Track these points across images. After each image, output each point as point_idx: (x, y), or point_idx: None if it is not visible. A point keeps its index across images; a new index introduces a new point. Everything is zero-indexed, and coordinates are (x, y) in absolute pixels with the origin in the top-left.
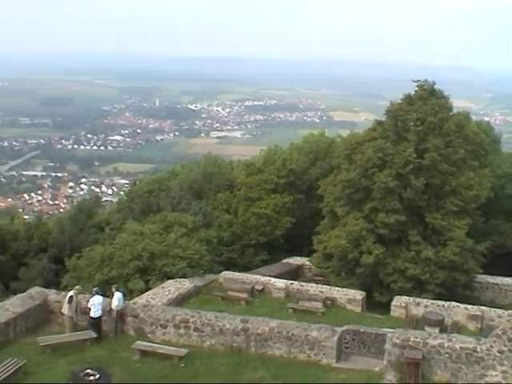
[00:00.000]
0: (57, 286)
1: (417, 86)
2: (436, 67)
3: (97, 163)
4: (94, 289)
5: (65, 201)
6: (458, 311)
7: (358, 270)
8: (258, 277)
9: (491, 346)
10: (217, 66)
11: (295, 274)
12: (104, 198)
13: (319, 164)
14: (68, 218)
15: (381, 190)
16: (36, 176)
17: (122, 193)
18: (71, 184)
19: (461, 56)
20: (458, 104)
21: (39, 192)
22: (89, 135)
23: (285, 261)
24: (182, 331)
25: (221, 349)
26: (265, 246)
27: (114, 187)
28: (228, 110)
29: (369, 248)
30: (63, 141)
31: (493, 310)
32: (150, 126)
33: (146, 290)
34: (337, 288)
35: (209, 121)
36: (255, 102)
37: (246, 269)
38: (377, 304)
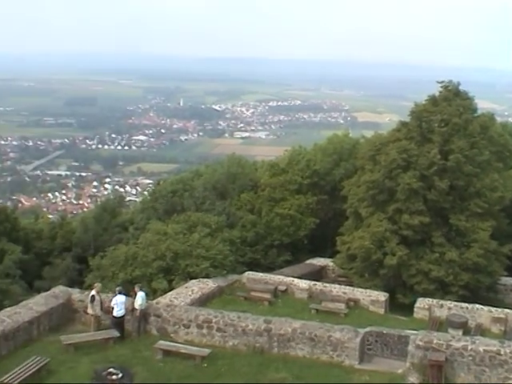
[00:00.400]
0: (80, 285)
1: (441, 87)
2: (459, 68)
3: (121, 163)
4: (117, 288)
5: (89, 200)
6: (481, 313)
7: (382, 272)
8: (281, 277)
9: None
10: (241, 66)
11: (318, 274)
12: (128, 198)
13: (343, 165)
14: (92, 217)
15: (405, 192)
16: (60, 175)
17: (145, 193)
18: (95, 183)
19: (483, 56)
20: (482, 105)
21: (63, 191)
22: (113, 135)
23: (308, 261)
24: (204, 331)
25: (243, 349)
26: (288, 247)
27: (137, 187)
28: (252, 110)
29: (392, 249)
30: (87, 140)
31: None
32: (174, 126)
33: (170, 290)
34: (360, 289)
35: (233, 121)
36: (279, 103)
37: (269, 269)
38: (400, 305)
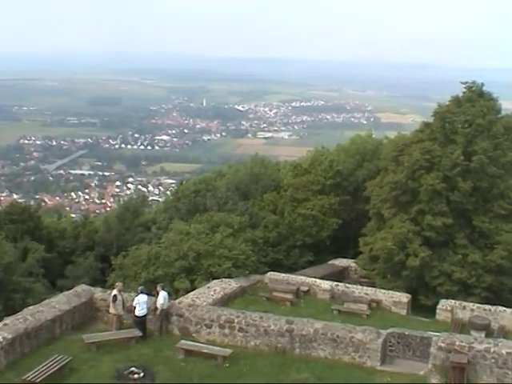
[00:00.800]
0: (103, 285)
1: (465, 88)
2: (482, 68)
3: (144, 163)
4: (140, 287)
5: (112, 200)
6: (504, 316)
7: (404, 273)
8: (304, 278)
9: None
10: (265, 66)
11: (341, 275)
12: (150, 198)
13: (366, 165)
14: (115, 216)
15: (428, 193)
16: (83, 175)
17: (168, 192)
18: (118, 183)
19: (505, 57)
20: (506, 106)
21: (86, 191)
22: (136, 135)
23: (330, 262)
24: (226, 331)
25: (265, 349)
26: (310, 247)
27: (160, 187)
28: (275, 110)
29: (415, 250)
30: (111, 140)
31: None
32: (197, 126)
33: (192, 290)
34: (382, 290)
35: (256, 121)
36: (302, 103)
37: (292, 270)
38: (422, 307)
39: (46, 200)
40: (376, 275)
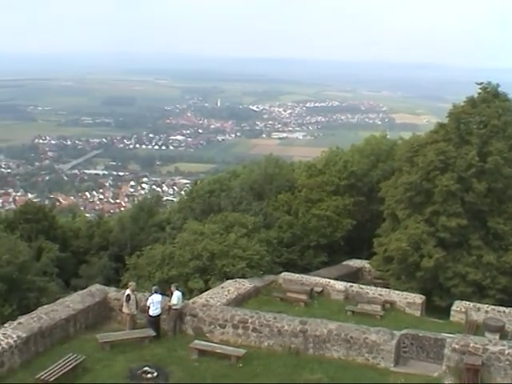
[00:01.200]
0: (117, 284)
1: (480, 89)
2: (497, 69)
3: (158, 163)
4: (154, 287)
5: (126, 199)
6: None
7: (418, 274)
8: (318, 278)
9: None
10: (280, 66)
11: (355, 276)
12: (165, 198)
13: (380, 166)
14: (129, 216)
15: (442, 194)
16: (98, 175)
17: (182, 192)
18: (132, 183)
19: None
20: None
21: (101, 190)
22: (151, 135)
23: (344, 263)
24: (240, 331)
25: (279, 350)
26: (325, 248)
27: (174, 187)
28: (290, 111)
29: (429, 251)
30: (125, 140)
31: None
32: (212, 126)
33: (206, 290)
34: (396, 291)
35: (270, 122)
36: (317, 104)
37: (306, 270)
38: (436, 308)
39: (61, 200)
40: (390, 276)
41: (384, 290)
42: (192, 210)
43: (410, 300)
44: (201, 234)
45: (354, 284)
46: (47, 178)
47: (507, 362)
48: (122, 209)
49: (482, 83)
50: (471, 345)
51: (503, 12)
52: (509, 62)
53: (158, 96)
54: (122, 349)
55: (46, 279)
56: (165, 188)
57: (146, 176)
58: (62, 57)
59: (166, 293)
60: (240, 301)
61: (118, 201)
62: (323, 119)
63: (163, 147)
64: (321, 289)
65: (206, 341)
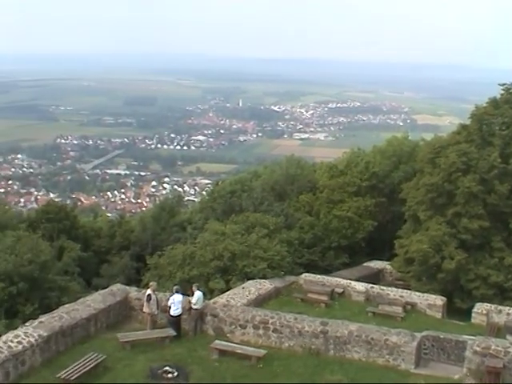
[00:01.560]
0: (138, 284)
1: (502, 90)
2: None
3: (180, 163)
4: (175, 287)
5: (147, 199)
6: None
7: (440, 276)
8: (339, 279)
9: None
10: (301, 67)
11: (376, 277)
12: (186, 198)
13: (402, 167)
14: (150, 216)
15: (464, 195)
16: (119, 174)
17: (204, 193)
18: (154, 183)
19: None
20: None
21: (122, 190)
22: (172, 135)
23: (365, 264)
24: (261, 332)
25: (299, 351)
26: (346, 249)
27: (196, 187)
28: (311, 111)
29: (451, 253)
30: (147, 140)
31: None
32: (234, 126)
33: (227, 290)
34: (417, 293)
35: (292, 122)
36: (338, 104)
37: (327, 271)
38: (457, 310)
39: (82, 199)
40: (411, 278)
41: (405, 291)
42: (213, 210)
43: (430, 302)
44: (222, 234)
45: (374, 285)
46: (69, 177)
47: None
48: (144, 209)
49: (504, 84)
50: (492, 347)
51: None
52: None
53: (179, 96)
54: (143, 348)
55: (68, 278)
56: (186, 188)
57: (167, 176)
58: (84, 57)
59: (187, 293)
60: (261, 301)
61: (139, 201)
62: (345, 120)
63: (185, 147)
64: (342, 290)
65: (227, 341)
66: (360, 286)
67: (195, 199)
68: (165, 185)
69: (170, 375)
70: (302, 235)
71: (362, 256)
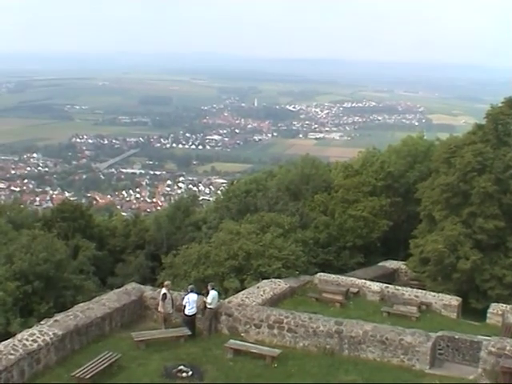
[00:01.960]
0: (153, 283)
1: None
2: None
3: (195, 162)
4: (189, 286)
5: (162, 199)
6: None
7: (455, 276)
8: (353, 279)
9: None
10: (316, 67)
11: (391, 277)
12: (201, 197)
13: (417, 167)
14: (165, 215)
15: (480, 195)
16: (134, 174)
17: (219, 192)
18: (169, 182)
19: None
20: None
21: (137, 189)
22: (187, 134)
23: (380, 264)
24: (275, 331)
25: (314, 350)
26: (361, 249)
27: (211, 186)
28: (326, 111)
29: (466, 253)
30: (162, 139)
31: None
32: (249, 126)
33: (241, 290)
34: (432, 293)
35: (307, 122)
36: (354, 104)
37: (342, 271)
38: (472, 310)
39: (98, 198)
40: (426, 278)
41: (420, 291)
42: (228, 209)
43: (446, 302)
44: (237, 233)
45: (389, 285)
46: (84, 176)
47: None
48: (159, 208)
49: None
50: (508, 348)
51: None
52: None
53: (194, 96)
54: (158, 347)
55: (83, 277)
56: (201, 187)
57: (182, 175)
58: (97, 56)
59: (202, 292)
60: (275, 301)
61: (154, 200)
62: (360, 120)
63: (200, 147)
64: (356, 290)
65: (241, 340)
66: (375, 286)
67: (210, 199)
68: (180, 184)
69: (184, 374)
70: (317, 235)
71: (377, 256)
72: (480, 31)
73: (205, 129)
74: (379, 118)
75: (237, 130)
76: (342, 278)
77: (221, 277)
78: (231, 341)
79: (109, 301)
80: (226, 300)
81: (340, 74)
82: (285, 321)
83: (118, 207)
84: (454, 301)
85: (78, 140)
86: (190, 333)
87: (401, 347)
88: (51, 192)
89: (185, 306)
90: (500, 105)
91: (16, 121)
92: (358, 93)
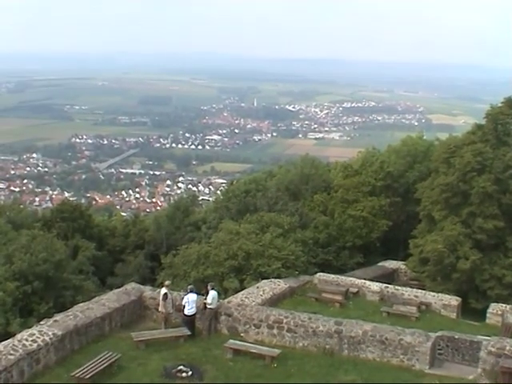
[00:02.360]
0: (152, 283)
1: None
2: None
3: (194, 162)
4: (189, 286)
5: (162, 199)
6: None
7: (454, 276)
8: (353, 279)
9: None
10: (316, 67)
11: (390, 277)
12: (201, 197)
13: (417, 167)
14: (165, 215)
15: (479, 195)
16: (134, 174)
17: (218, 192)
18: (168, 182)
19: None
20: None
21: (137, 190)
22: (187, 134)
23: (380, 264)
24: (275, 331)
25: (313, 350)
26: (360, 249)
27: (210, 186)
28: (326, 111)
29: (465, 253)
30: (161, 139)
31: None
32: (248, 126)
33: (241, 290)
34: (432, 293)
35: (306, 122)
36: (353, 104)
37: (341, 271)
38: (472, 310)
39: (97, 198)
40: (426, 278)
41: (419, 291)
42: (228, 209)
43: (445, 302)
44: (236, 233)
45: (389, 285)
46: (84, 176)
47: None
48: (158, 208)
49: None
50: (507, 348)
51: None
52: None
53: (194, 95)
54: (157, 347)
55: (82, 277)
56: (201, 187)
57: (182, 175)
58: (97, 56)
59: (202, 292)
60: (275, 301)
61: (154, 200)
62: (359, 120)
63: (199, 147)
64: (356, 290)
65: (241, 340)
66: (374, 286)
67: (210, 199)
68: (179, 184)
69: (184, 374)
70: (317, 235)
71: (377, 256)
72: (480, 31)
73: (204, 129)
74: (379, 118)
75: (236, 130)
76: (341, 278)
77: (220, 277)
78: (231, 341)
79: (108, 301)
80: (226, 300)
81: (340, 73)
82: (284, 321)
83: (118, 207)
84: (454, 301)
85: (78, 140)
86: (189, 333)
87: (400, 347)
88: (51, 192)
89: (184, 306)
90: (500, 105)
91: (16, 121)
92: (358, 93)
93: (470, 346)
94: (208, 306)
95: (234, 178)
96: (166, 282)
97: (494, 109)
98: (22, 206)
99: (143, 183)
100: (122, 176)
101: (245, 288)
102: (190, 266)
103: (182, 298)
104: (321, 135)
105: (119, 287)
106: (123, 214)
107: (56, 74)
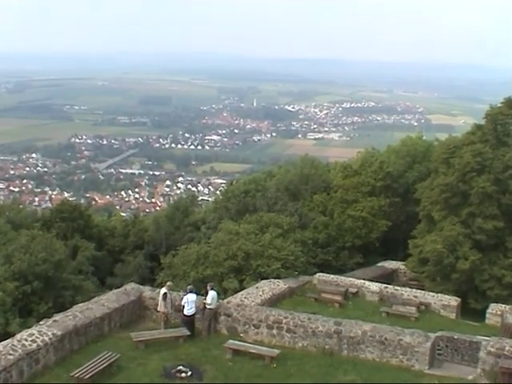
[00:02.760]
0: (152, 283)
1: None
2: None
3: (194, 162)
4: (188, 287)
5: (161, 199)
6: None
7: (454, 276)
8: (352, 279)
9: None
10: (315, 67)
11: (390, 277)
12: (200, 197)
13: (416, 167)
14: (164, 216)
15: (479, 195)
16: (133, 174)
17: (218, 192)
18: (168, 182)
19: None
20: None
21: (136, 190)
22: (186, 134)
23: (379, 264)
24: (274, 332)
25: (313, 350)
26: (360, 249)
27: (210, 186)
28: (325, 111)
29: (465, 254)
30: (161, 140)
31: None
32: (248, 126)
33: (240, 290)
34: (431, 293)
35: (306, 122)
36: (353, 104)
37: (341, 271)
38: (471, 311)
39: (97, 198)
40: (425, 278)
41: (419, 291)
42: (227, 209)
43: (445, 302)
44: (236, 233)
45: (388, 285)
46: (83, 176)
47: None
48: (158, 208)
49: None
50: (507, 348)
51: None
52: None
53: (193, 96)
54: (157, 348)
55: (82, 277)
56: (200, 188)
57: (181, 175)
58: (97, 57)
59: (201, 292)
60: (274, 301)
61: (153, 200)
62: (359, 120)
63: (199, 147)
64: (355, 290)
65: (240, 341)
66: (374, 286)
67: (209, 199)
68: (179, 184)
69: (183, 374)
70: (316, 235)
71: (376, 256)
72: (480, 31)
73: (204, 129)
74: (378, 119)
75: (236, 131)
76: (341, 279)
77: (220, 277)
78: (230, 341)
79: (108, 301)
80: (225, 300)
81: (339, 74)
82: (284, 321)
83: (117, 207)
84: (453, 301)
85: (77, 140)
86: (189, 333)
87: (400, 347)
88: (50, 192)
89: (184, 307)
90: (499, 105)
91: (15, 121)
92: (358, 93)
93: (470, 347)
94: (207, 307)
95: (233, 178)
96: (168, 283)
97: (493, 109)
98: (21, 206)
99: (143, 183)
100: (121, 176)
101: (244, 288)
102: (189, 266)
103: (182, 299)
104: (320, 135)
105: (119, 287)
106: (123, 214)
107: (56, 74)
